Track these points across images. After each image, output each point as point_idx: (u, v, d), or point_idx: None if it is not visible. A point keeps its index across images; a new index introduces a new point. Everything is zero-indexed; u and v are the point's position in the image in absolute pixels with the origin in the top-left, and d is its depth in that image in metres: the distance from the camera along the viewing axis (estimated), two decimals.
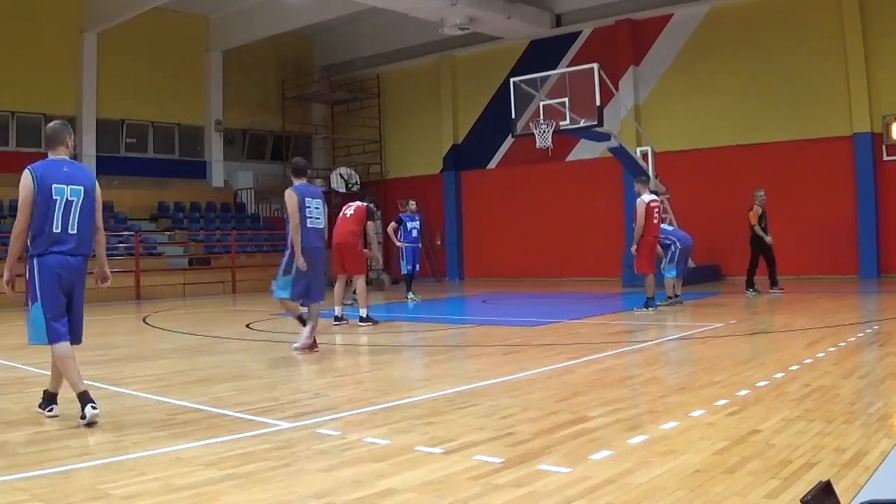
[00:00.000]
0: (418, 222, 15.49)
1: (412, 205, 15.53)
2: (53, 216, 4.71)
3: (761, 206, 13.48)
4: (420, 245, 16.04)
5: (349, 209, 10.77)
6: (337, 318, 10.58)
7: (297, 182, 7.97)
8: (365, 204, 10.83)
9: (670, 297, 11.77)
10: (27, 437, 4.45)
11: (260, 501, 3.22)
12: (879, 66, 16.84)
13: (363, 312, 10.39)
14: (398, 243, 15.19)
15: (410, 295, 15.04)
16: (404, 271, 15.32)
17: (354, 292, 11.13)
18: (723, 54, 18.61)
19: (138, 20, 19.91)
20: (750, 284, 13.48)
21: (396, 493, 3.23)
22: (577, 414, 4.60)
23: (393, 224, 15.24)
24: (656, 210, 11.47)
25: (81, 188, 4.84)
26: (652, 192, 12.68)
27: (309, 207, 7.82)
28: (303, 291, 7.82)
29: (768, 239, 13.39)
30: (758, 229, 13.37)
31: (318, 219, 7.88)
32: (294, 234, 7.72)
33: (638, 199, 11.35)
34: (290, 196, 7.79)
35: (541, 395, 5.27)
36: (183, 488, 3.37)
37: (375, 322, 10.43)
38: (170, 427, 4.60)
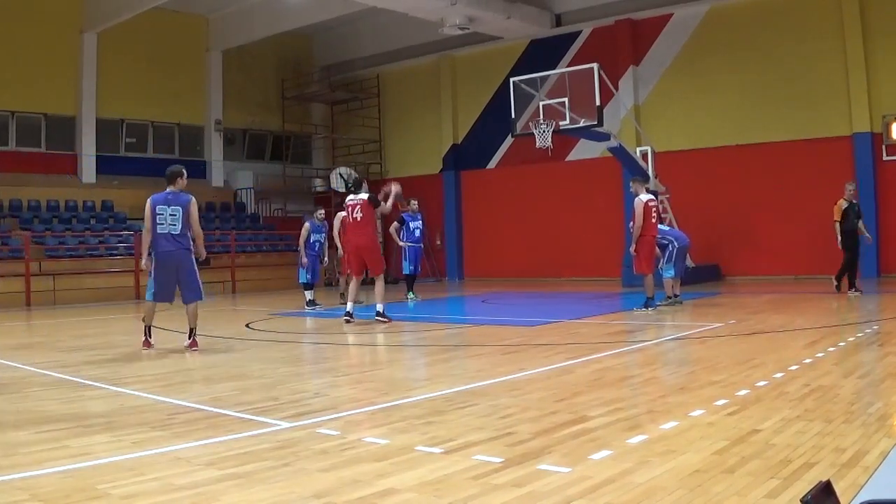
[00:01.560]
0: (420, 222, 15.43)
1: (414, 204, 15.46)
2: None
3: (847, 201, 12.72)
4: (422, 245, 16.02)
5: (356, 213, 10.75)
6: (348, 316, 10.63)
7: (167, 189, 8.38)
8: (366, 198, 10.78)
9: (670, 297, 11.77)
10: (27, 437, 4.44)
11: (260, 501, 3.21)
12: (879, 66, 16.84)
13: (380, 308, 10.55)
14: (401, 243, 15.15)
15: (410, 295, 15.02)
16: (406, 271, 15.28)
17: (341, 294, 11.22)
18: (723, 54, 18.61)
19: (138, 20, 19.93)
20: (851, 284, 12.72)
21: (396, 493, 3.23)
22: (576, 414, 4.60)
23: (395, 224, 15.18)
24: (654, 209, 11.47)
25: None
26: (650, 191, 12.67)
27: (161, 214, 8.22)
28: (158, 293, 8.39)
29: (867, 237, 12.84)
30: (837, 227, 12.69)
31: (174, 225, 8.25)
32: (143, 238, 8.51)
33: (636, 199, 11.34)
34: (146, 204, 8.38)
35: (540, 395, 5.26)
36: (183, 488, 3.37)
37: (390, 319, 10.52)
38: (170, 427, 4.60)
